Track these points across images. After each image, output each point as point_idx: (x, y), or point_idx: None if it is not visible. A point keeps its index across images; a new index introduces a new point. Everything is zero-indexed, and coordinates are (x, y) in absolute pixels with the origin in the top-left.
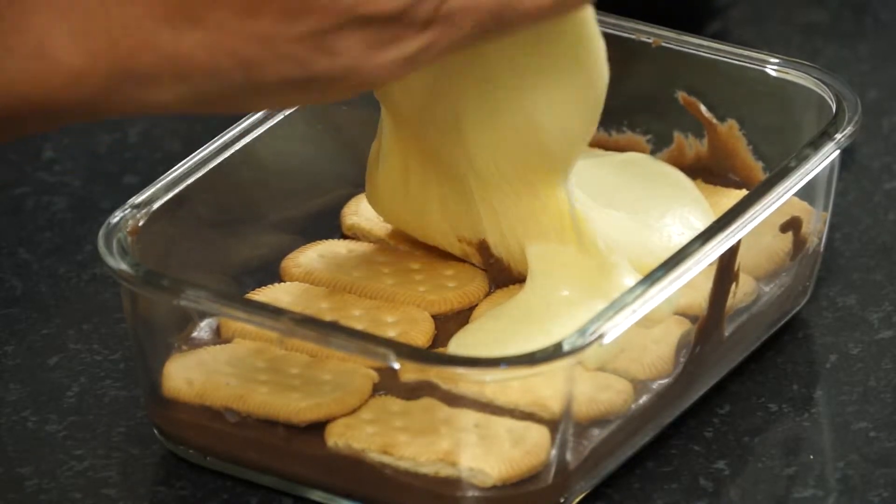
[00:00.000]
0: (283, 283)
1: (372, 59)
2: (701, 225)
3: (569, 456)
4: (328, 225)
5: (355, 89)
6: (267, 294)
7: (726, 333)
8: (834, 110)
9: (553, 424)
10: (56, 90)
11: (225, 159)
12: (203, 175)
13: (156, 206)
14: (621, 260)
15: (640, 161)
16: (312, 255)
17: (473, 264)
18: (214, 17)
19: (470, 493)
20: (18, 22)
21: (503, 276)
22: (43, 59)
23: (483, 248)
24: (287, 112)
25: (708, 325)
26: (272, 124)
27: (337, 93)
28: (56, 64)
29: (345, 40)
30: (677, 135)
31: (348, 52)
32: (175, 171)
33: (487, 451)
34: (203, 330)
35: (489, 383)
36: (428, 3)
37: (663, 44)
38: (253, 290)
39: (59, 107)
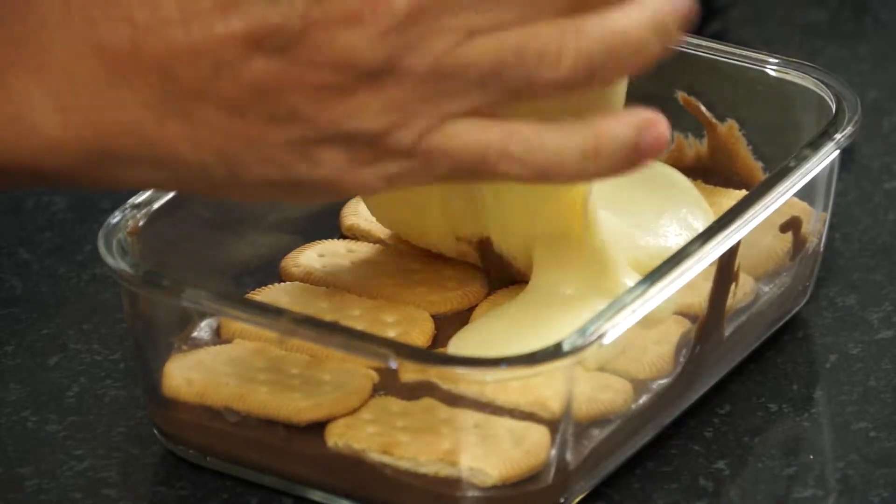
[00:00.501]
0: (282, 284)
1: (353, 174)
2: (700, 226)
3: (569, 456)
4: (328, 225)
5: (336, 197)
6: (266, 294)
7: (726, 333)
8: (834, 110)
9: (553, 424)
10: (33, 156)
11: None
12: None
13: (156, 206)
14: (621, 257)
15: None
16: (312, 255)
17: (472, 265)
18: (202, 112)
19: (470, 493)
20: (3, 82)
21: (503, 274)
22: (21, 124)
23: (484, 245)
24: None
25: (708, 325)
26: None
27: (317, 198)
28: (34, 131)
29: (328, 152)
30: (677, 135)
31: (331, 164)
32: None
33: (488, 450)
34: (203, 330)
35: (489, 383)
36: (409, 130)
37: None
38: (253, 290)
39: (37, 171)
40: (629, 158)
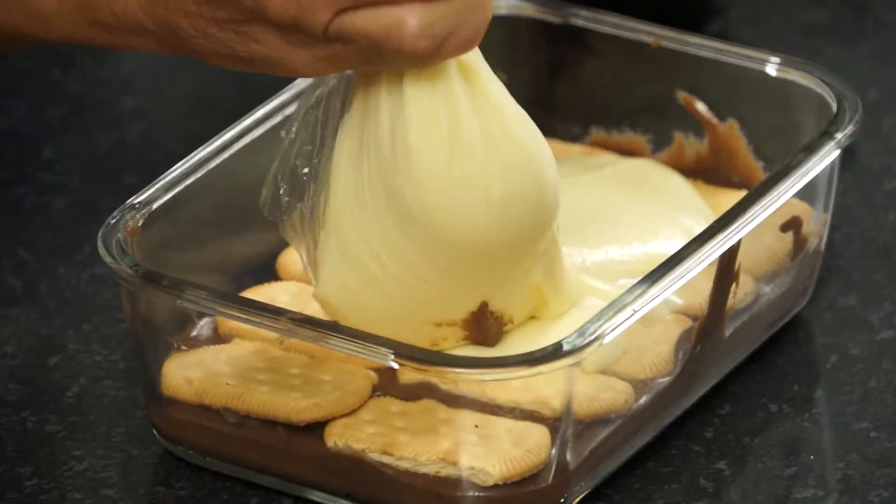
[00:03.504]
0: (280, 282)
1: (290, 53)
2: (700, 227)
3: (569, 456)
4: None
5: (292, 74)
6: (264, 292)
7: (727, 333)
8: (834, 110)
9: (553, 424)
10: (28, 25)
11: (224, 159)
12: (202, 175)
13: (155, 206)
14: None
15: (642, 169)
16: None
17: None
18: None
19: (470, 493)
20: None
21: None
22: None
23: (479, 313)
24: (286, 112)
25: (708, 326)
26: (272, 125)
27: (279, 72)
28: (24, 3)
29: (261, 33)
30: (677, 135)
31: (269, 43)
32: (174, 171)
33: (488, 450)
34: (202, 329)
35: (489, 384)
36: (313, 18)
37: (663, 44)
38: (251, 288)
39: (35, 38)
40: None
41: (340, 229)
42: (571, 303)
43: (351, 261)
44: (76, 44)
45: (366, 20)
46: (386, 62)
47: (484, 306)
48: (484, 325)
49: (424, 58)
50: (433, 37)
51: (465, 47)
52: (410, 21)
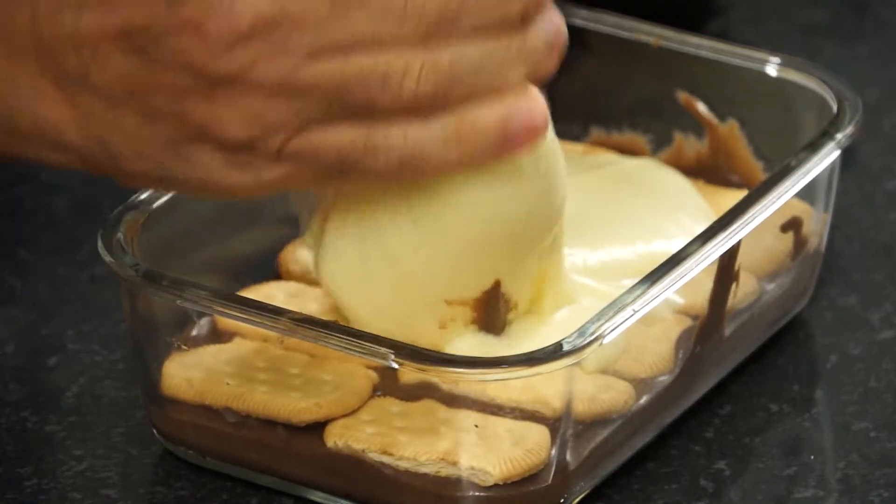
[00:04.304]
0: (279, 282)
1: (230, 177)
2: (700, 227)
3: (569, 456)
4: None
5: (218, 197)
6: (262, 291)
7: (727, 333)
8: (834, 110)
9: (553, 424)
10: None
11: None
12: None
13: (155, 206)
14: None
15: (643, 169)
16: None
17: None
18: (84, 99)
19: (470, 493)
20: None
21: (494, 327)
22: None
23: (491, 292)
24: None
25: (708, 326)
26: None
27: (201, 195)
28: None
29: (200, 153)
30: (677, 135)
31: (206, 166)
32: None
33: (488, 450)
34: (203, 329)
35: (489, 384)
36: (271, 138)
37: (663, 44)
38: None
39: None
40: (498, 145)
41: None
42: (566, 299)
43: (361, 228)
44: None
45: (330, 138)
46: (340, 181)
47: (497, 285)
48: (494, 307)
49: (390, 179)
50: (402, 161)
51: (432, 173)
52: (381, 140)
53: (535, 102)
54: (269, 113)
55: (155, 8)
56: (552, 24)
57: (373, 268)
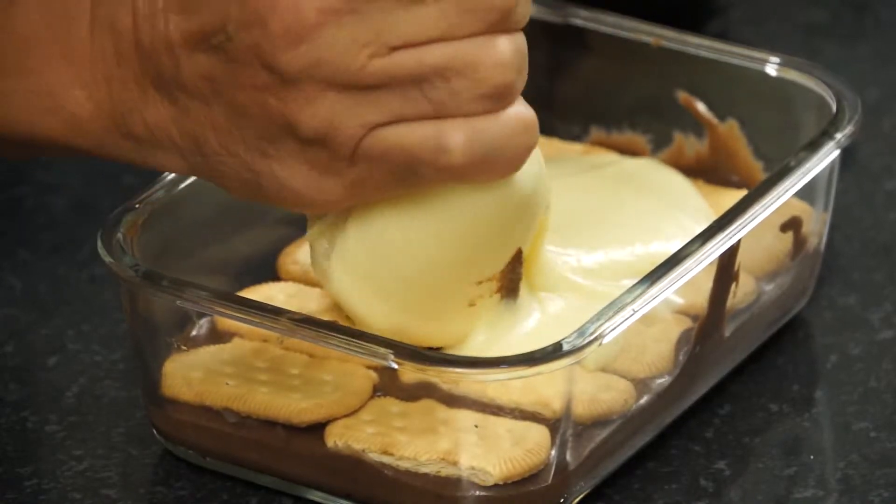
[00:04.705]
0: (279, 283)
1: (312, 179)
2: (700, 226)
3: (569, 456)
4: None
5: (305, 205)
6: (262, 292)
7: (727, 333)
8: (834, 110)
9: (553, 424)
10: (62, 132)
11: None
12: None
13: (155, 206)
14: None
15: (643, 169)
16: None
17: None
18: (181, 97)
19: (471, 493)
20: (26, 55)
21: (512, 292)
22: (52, 100)
23: (515, 260)
24: None
25: (708, 325)
26: None
27: (289, 205)
28: (62, 107)
29: (286, 153)
30: (677, 135)
31: (291, 166)
32: None
33: (488, 450)
34: (202, 329)
35: (489, 384)
36: (343, 137)
37: (663, 44)
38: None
39: (68, 146)
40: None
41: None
42: (545, 277)
43: (383, 220)
44: (103, 155)
45: (402, 135)
46: (416, 183)
47: (519, 252)
48: (517, 271)
49: (464, 176)
50: (472, 155)
51: (509, 167)
52: (454, 136)
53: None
54: (338, 108)
55: (229, 7)
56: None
57: (396, 263)
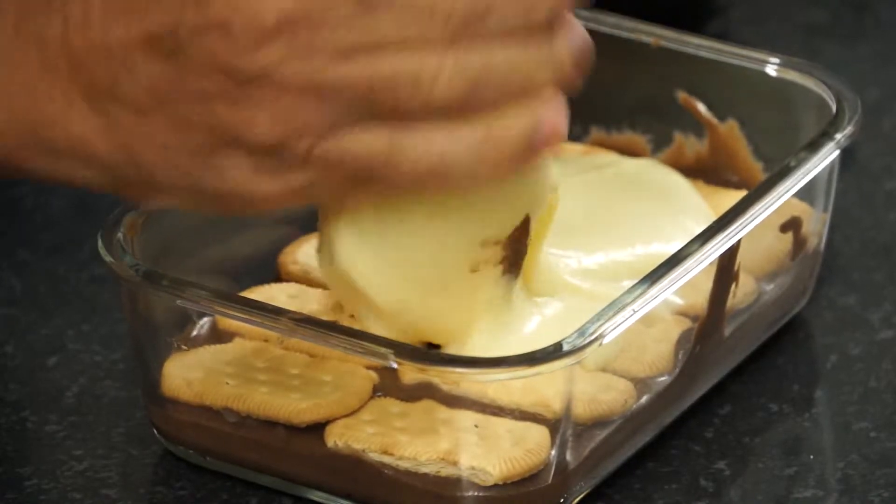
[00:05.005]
0: (280, 283)
1: (258, 185)
2: (700, 227)
3: (569, 456)
4: None
5: (247, 209)
6: (263, 292)
7: (727, 333)
8: (834, 110)
9: (553, 424)
10: None
11: None
12: None
13: (155, 206)
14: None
15: (643, 170)
16: (310, 251)
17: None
18: (114, 110)
19: (471, 493)
20: None
21: (517, 265)
22: None
23: (522, 227)
24: None
25: (708, 325)
26: None
27: (229, 209)
28: None
29: (229, 161)
30: (677, 135)
31: (235, 175)
32: None
33: (488, 450)
34: (203, 329)
35: (490, 384)
36: (300, 141)
37: (663, 44)
38: (250, 287)
39: None
40: (522, 154)
41: None
42: (545, 280)
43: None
44: (15, 170)
45: (356, 145)
46: (368, 190)
47: (527, 220)
48: (523, 242)
49: (417, 187)
50: (427, 165)
51: (463, 182)
52: (406, 147)
53: (559, 110)
54: (296, 114)
55: (182, 11)
56: (578, 35)
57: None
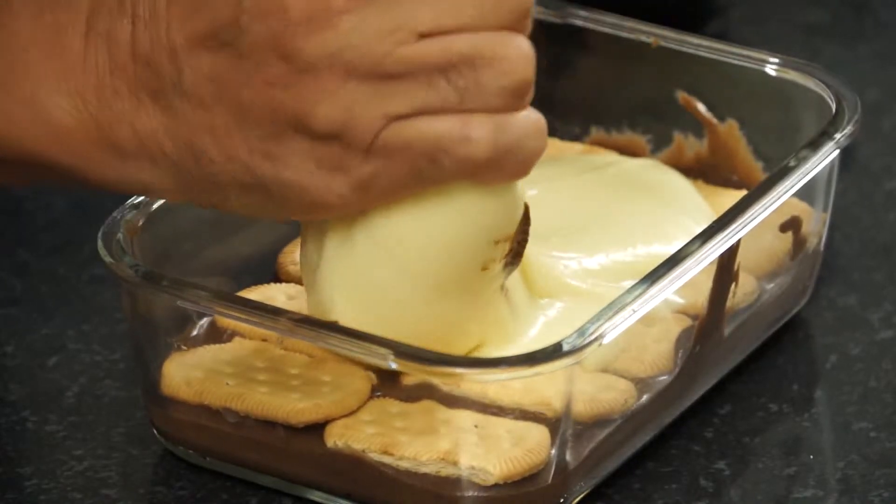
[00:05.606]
0: (278, 284)
1: (319, 179)
2: (700, 226)
3: (569, 455)
4: None
5: (309, 209)
6: (262, 292)
7: (726, 333)
8: (834, 110)
9: (553, 424)
10: (43, 142)
11: None
12: None
13: (155, 206)
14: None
15: (643, 170)
16: None
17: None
18: (178, 104)
19: (471, 493)
20: (14, 66)
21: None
22: (35, 106)
23: (525, 218)
24: None
25: (708, 325)
26: None
27: (292, 210)
28: (46, 115)
29: (290, 151)
30: (677, 135)
31: (297, 166)
32: None
33: (488, 450)
34: (202, 329)
35: (490, 384)
36: (361, 128)
37: (663, 44)
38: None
39: (47, 160)
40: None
41: None
42: (546, 283)
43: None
44: (86, 176)
45: (423, 128)
46: (434, 180)
47: (527, 210)
48: (526, 229)
49: (481, 173)
50: (496, 150)
51: (521, 169)
52: (476, 130)
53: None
54: (359, 98)
55: (236, 1)
56: None
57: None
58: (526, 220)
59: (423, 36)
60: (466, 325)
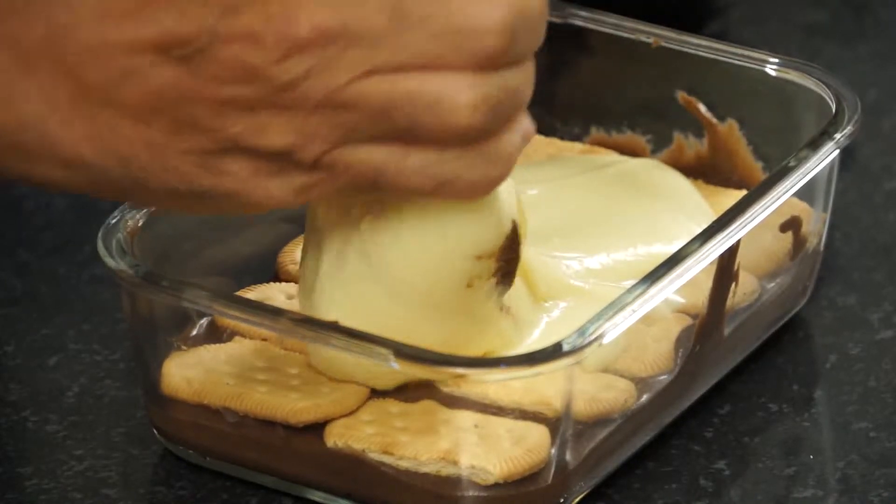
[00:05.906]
0: (278, 283)
1: (258, 186)
2: (700, 226)
3: (569, 455)
4: None
5: (244, 210)
6: (262, 292)
7: (726, 333)
8: (834, 110)
9: (553, 424)
10: None
11: None
12: None
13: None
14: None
15: (644, 170)
16: None
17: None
18: (106, 116)
19: (471, 493)
20: None
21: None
22: None
23: (512, 235)
24: None
25: (708, 325)
26: None
27: (225, 210)
28: None
29: (231, 164)
30: (677, 135)
31: (234, 176)
32: None
33: (488, 449)
34: (202, 329)
35: (490, 384)
36: (310, 149)
37: (663, 44)
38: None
39: None
40: (514, 162)
41: None
42: (548, 285)
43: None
44: None
45: (362, 156)
46: (370, 193)
47: (515, 227)
48: (515, 248)
49: (424, 196)
50: (433, 181)
51: (466, 196)
52: (413, 162)
53: (528, 114)
54: (312, 124)
55: (203, 18)
56: None
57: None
58: (514, 238)
59: (375, 72)
60: (465, 345)
